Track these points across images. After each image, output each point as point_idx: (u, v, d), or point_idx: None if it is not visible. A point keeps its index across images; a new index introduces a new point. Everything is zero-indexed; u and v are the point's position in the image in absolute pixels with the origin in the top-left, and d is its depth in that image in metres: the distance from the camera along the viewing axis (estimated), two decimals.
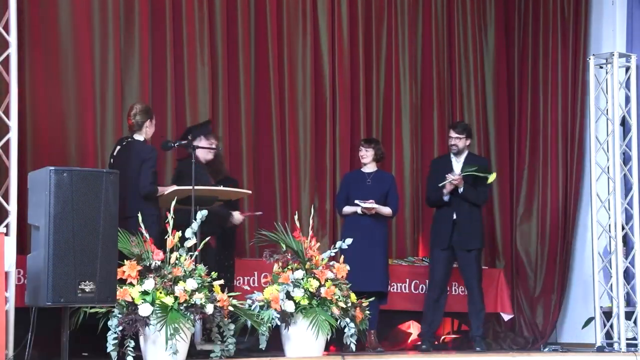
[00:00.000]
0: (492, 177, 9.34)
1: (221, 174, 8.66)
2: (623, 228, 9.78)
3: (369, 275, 8.77)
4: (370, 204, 8.90)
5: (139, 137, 7.88)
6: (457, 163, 9.39)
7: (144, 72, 8.97)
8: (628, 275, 9.84)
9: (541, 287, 10.94)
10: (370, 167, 9.22)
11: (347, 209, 9.10)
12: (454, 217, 9.27)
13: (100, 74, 8.74)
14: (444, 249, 9.28)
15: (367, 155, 9.19)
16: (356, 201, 8.96)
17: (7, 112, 7.12)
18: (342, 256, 7.99)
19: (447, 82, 11.04)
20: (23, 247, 7.60)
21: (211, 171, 8.49)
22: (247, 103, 9.67)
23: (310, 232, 7.88)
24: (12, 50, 7.16)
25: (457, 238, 9.26)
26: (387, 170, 9.88)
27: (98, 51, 8.75)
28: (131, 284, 6.87)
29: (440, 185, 9.23)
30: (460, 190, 9.22)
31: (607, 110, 9.98)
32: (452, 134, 9.40)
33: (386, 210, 9.05)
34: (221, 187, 8.02)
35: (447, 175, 9.22)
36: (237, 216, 8.65)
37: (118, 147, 7.94)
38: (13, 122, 7.10)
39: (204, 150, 8.34)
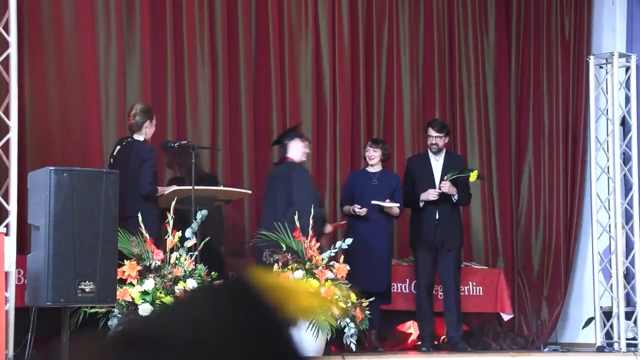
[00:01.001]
0: (474, 176, 9.17)
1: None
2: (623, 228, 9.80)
3: (373, 276, 8.75)
4: (388, 203, 8.85)
5: (139, 137, 7.87)
6: (437, 162, 9.24)
7: (145, 72, 8.97)
8: (628, 275, 9.84)
9: (547, 287, 10.91)
10: (376, 167, 9.18)
11: (346, 209, 9.07)
12: (437, 217, 9.16)
13: (102, 74, 8.74)
14: (428, 250, 9.22)
15: (375, 155, 9.12)
16: (374, 202, 8.89)
17: (7, 112, 7.12)
18: (342, 256, 7.99)
19: (447, 81, 11.03)
20: (23, 247, 7.58)
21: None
22: (247, 103, 9.66)
23: (310, 232, 7.88)
24: (12, 50, 7.16)
25: (441, 238, 9.15)
26: (388, 170, 9.85)
27: (99, 51, 8.74)
28: (131, 284, 6.87)
29: (437, 193, 9.06)
30: (455, 197, 9.13)
31: (607, 110, 9.98)
32: (432, 132, 9.19)
33: (396, 210, 9.03)
34: (221, 187, 8.00)
35: (441, 185, 9.05)
36: (328, 226, 8.79)
37: (118, 147, 7.93)
38: (13, 122, 7.10)
39: (298, 152, 8.44)
